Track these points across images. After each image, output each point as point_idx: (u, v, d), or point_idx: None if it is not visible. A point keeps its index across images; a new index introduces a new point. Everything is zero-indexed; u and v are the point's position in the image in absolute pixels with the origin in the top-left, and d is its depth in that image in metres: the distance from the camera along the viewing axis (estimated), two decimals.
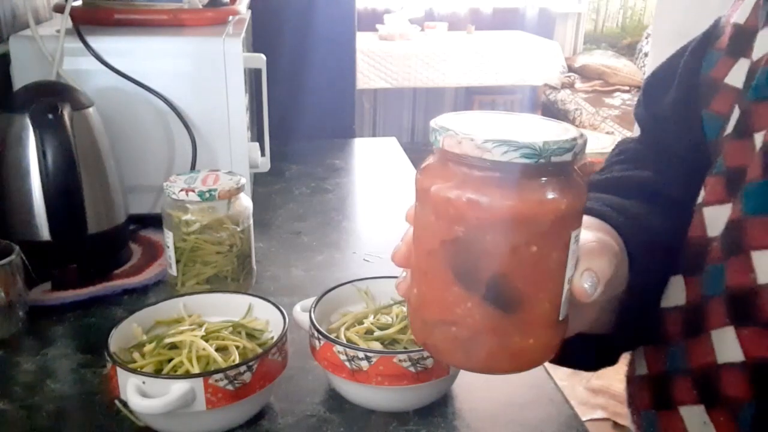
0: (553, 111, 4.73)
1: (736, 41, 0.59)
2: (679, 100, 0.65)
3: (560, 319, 0.43)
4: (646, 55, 4.74)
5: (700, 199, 0.58)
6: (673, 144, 0.67)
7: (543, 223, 0.39)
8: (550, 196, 0.39)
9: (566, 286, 0.42)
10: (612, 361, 0.63)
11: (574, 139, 0.39)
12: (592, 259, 0.44)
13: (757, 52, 0.55)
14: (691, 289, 0.57)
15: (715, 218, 0.55)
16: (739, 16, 0.59)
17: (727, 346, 0.52)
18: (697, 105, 0.61)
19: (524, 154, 0.37)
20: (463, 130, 0.39)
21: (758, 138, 0.52)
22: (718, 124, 0.59)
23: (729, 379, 0.52)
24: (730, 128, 0.56)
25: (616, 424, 2.11)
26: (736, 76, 0.58)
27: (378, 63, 4.20)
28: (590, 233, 0.46)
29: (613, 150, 0.75)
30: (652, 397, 0.62)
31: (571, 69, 4.91)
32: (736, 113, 0.56)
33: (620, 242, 0.53)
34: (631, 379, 0.66)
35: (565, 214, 0.40)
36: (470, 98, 4.85)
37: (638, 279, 0.54)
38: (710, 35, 0.63)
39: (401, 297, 0.48)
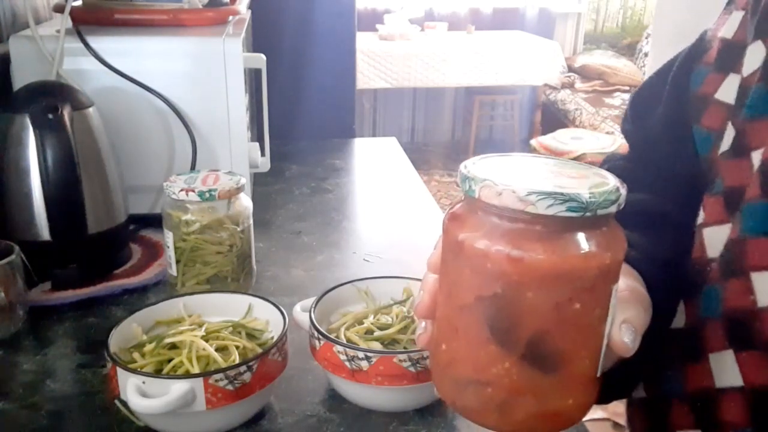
0: (553, 111, 4.73)
1: (724, 56, 0.58)
2: (669, 116, 0.64)
3: (598, 375, 0.42)
4: (646, 55, 4.75)
5: (700, 220, 0.56)
6: (664, 161, 0.65)
7: (587, 279, 0.37)
8: (595, 250, 0.37)
9: (605, 341, 0.40)
10: (622, 394, 0.61)
11: (618, 190, 0.37)
12: (628, 309, 0.42)
13: (747, 68, 0.55)
14: (690, 311, 0.55)
15: (715, 239, 0.54)
16: (727, 30, 0.58)
17: (726, 370, 0.51)
18: (687, 121, 0.60)
19: (570, 207, 0.36)
20: (502, 181, 0.37)
21: (756, 156, 0.51)
22: (709, 140, 0.57)
23: (727, 405, 0.51)
24: (725, 146, 0.55)
25: (616, 424, 2.10)
26: (727, 91, 0.56)
27: (378, 63, 4.21)
28: (620, 280, 0.44)
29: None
30: (649, 421, 0.61)
31: (571, 69, 4.91)
32: (730, 131, 0.55)
33: (643, 284, 0.50)
34: (630, 402, 0.65)
35: (609, 268, 0.38)
36: (470, 98, 4.85)
37: (656, 316, 0.51)
38: (697, 49, 0.62)
39: (424, 349, 0.45)
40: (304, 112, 1.73)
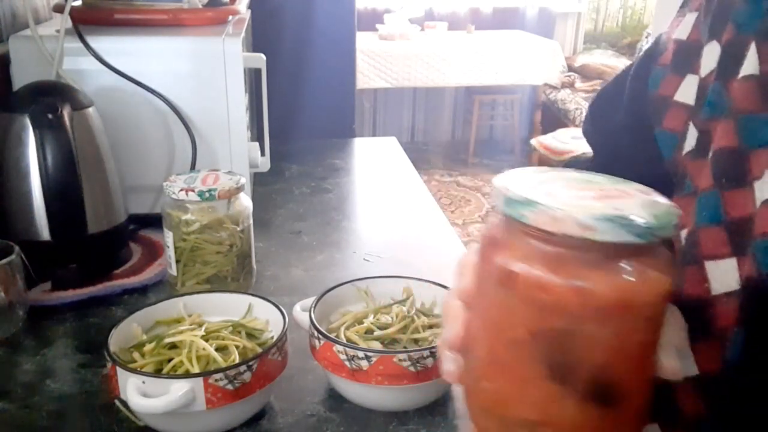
0: (553, 110, 4.73)
1: (680, 57, 0.58)
2: (630, 121, 0.64)
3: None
4: None
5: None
6: (629, 163, 0.65)
7: (650, 307, 0.35)
8: (657, 275, 0.35)
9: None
10: None
11: (676, 209, 0.35)
12: (671, 331, 0.40)
13: (704, 69, 0.55)
14: None
15: None
16: (681, 32, 0.59)
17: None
18: (648, 124, 0.61)
19: (636, 233, 0.33)
20: (554, 204, 0.34)
21: None
22: (673, 142, 0.58)
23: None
24: (689, 146, 0.55)
25: None
26: (687, 92, 0.57)
27: (378, 63, 4.21)
28: None
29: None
30: None
31: (571, 68, 4.91)
32: (693, 131, 0.55)
33: None
34: None
35: (668, 293, 0.36)
36: (470, 98, 4.85)
37: None
38: (653, 52, 0.63)
39: (452, 384, 0.43)
40: (304, 112, 1.74)
